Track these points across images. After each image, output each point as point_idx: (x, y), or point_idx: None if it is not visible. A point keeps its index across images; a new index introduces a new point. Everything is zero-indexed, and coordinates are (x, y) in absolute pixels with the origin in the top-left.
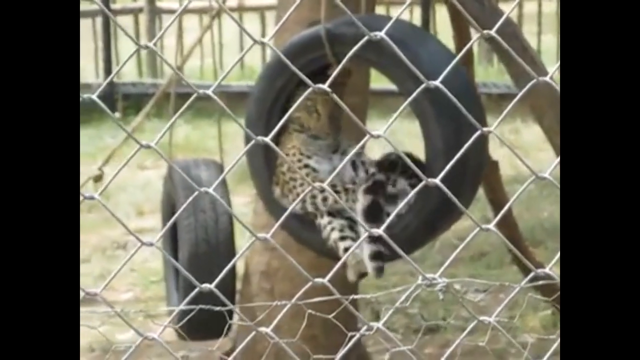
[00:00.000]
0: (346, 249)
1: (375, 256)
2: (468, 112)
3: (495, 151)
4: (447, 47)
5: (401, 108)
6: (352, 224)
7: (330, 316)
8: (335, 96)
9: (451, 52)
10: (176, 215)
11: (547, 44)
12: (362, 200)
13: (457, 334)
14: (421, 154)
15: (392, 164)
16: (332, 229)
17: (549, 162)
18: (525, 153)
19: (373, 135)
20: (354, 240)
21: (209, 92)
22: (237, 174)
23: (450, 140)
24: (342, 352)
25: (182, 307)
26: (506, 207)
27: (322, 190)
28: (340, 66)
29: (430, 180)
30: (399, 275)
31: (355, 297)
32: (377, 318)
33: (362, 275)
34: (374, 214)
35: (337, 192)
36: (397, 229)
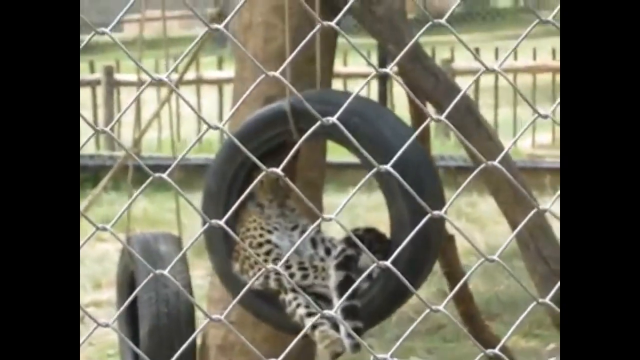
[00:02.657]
0: (314, 326)
1: (354, 332)
2: (429, 185)
3: (451, 225)
4: (404, 121)
5: (362, 181)
6: (316, 300)
7: None
8: (288, 181)
9: (409, 127)
10: (136, 291)
11: (503, 117)
12: (334, 276)
13: None
14: (379, 227)
15: (360, 240)
16: (298, 305)
17: (504, 235)
18: (482, 226)
19: (325, 218)
20: (321, 316)
21: (164, 175)
22: (195, 247)
23: (416, 213)
24: None
25: None
26: (459, 284)
27: (288, 267)
28: (299, 143)
29: (382, 263)
30: None
31: None
32: None
33: (337, 354)
34: (347, 290)
35: (304, 268)
36: (363, 304)
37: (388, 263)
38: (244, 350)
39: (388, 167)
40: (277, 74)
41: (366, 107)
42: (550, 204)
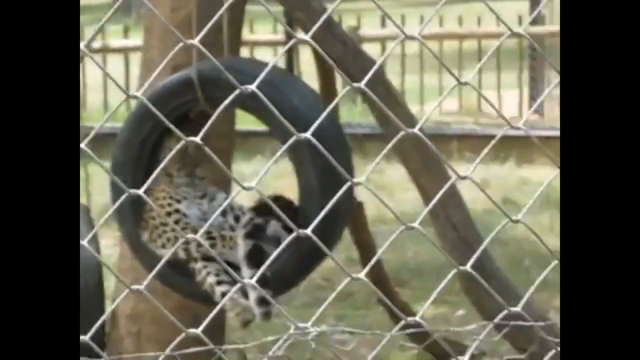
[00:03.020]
0: (223, 294)
1: (262, 301)
2: (339, 153)
3: (361, 192)
4: (313, 89)
5: (279, 152)
6: (226, 269)
7: None
8: (208, 149)
9: (318, 94)
10: None
11: (410, 84)
12: (243, 245)
13: None
14: (288, 195)
15: (266, 208)
16: (208, 274)
17: (411, 201)
18: (390, 193)
19: (246, 187)
20: (231, 285)
21: (83, 145)
22: (103, 214)
23: (325, 183)
24: None
25: None
26: (375, 258)
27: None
28: (218, 112)
29: (302, 231)
30: None
31: (228, 347)
32: (244, 358)
33: (248, 322)
34: (256, 258)
35: (212, 238)
36: (272, 272)
37: (308, 232)
38: (154, 319)
39: (308, 135)
40: (196, 42)
41: (275, 75)
42: (471, 170)
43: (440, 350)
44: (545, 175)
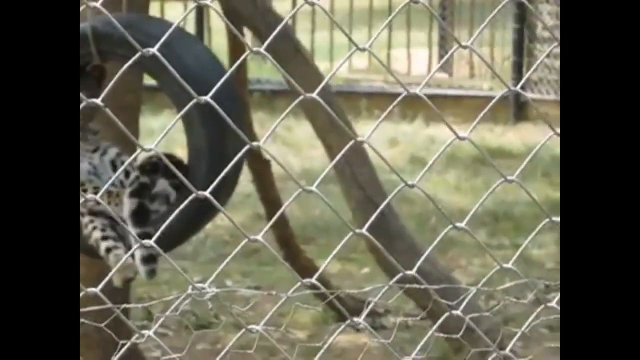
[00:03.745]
0: (108, 249)
1: (148, 260)
2: (232, 114)
3: (269, 149)
4: (209, 49)
5: (176, 120)
6: (113, 224)
7: (102, 325)
8: (109, 112)
9: (214, 55)
10: None
11: (320, 42)
12: (128, 204)
13: (229, 330)
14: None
15: (154, 166)
16: (94, 229)
17: (319, 159)
18: (298, 150)
19: (145, 149)
20: (116, 240)
21: None
22: None
23: (214, 143)
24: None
25: None
26: (279, 213)
27: (84, 191)
28: (119, 74)
29: (201, 193)
30: (170, 272)
31: (128, 306)
32: (149, 315)
33: (129, 280)
34: (141, 217)
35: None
36: (160, 228)
37: (207, 194)
38: None
39: (208, 98)
40: (98, 5)
41: (171, 35)
42: (369, 135)
43: (345, 307)
44: (452, 135)
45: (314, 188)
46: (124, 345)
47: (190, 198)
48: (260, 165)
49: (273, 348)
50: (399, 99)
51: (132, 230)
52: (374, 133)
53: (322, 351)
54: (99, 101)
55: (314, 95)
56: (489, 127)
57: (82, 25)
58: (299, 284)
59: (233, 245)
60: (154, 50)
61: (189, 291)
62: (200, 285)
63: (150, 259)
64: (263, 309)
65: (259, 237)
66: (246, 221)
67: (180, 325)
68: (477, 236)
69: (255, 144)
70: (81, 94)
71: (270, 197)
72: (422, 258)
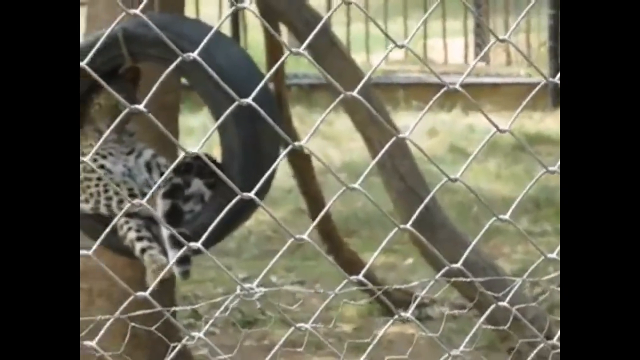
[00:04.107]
0: (143, 250)
1: (182, 260)
2: (267, 115)
3: (309, 143)
4: (243, 49)
5: (216, 124)
6: (149, 224)
7: (152, 328)
8: (152, 116)
9: (247, 54)
10: None
11: (355, 33)
12: (161, 205)
13: (276, 326)
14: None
15: (188, 166)
16: (129, 229)
17: (359, 151)
18: (337, 143)
19: (188, 153)
20: (151, 240)
21: None
22: None
23: (247, 143)
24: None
25: None
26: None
27: (117, 193)
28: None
29: (246, 194)
30: (214, 270)
31: (177, 308)
32: (195, 314)
33: (163, 281)
34: (174, 218)
35: (134, 195)
36: (195, 227)
37: (243, 195)
38: (105, 275)
39: (249, 100)
40: (138, 12)
41: (202, 34)
42: (410, 131)
43: (391, 299)
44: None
45: (357, 185)
46: (174, 347)
47: (236, 200)
48: (300, 160)
49: (320, 343)
50: (438, 94)
51: (165, 231)
52: (413, 123)
53: (371, 346)
54: (142, 107)
55: (354, 93)
56: (528, 113)
57: (114, 27)
58: (346, 280)
59: (276, 240)
60: (194, 54)
61: (237, 291)
62: (248, 285)
63: (184, 260)
64: (309, 304)
65: (305, 237)
66: (287, 216)
67: (227, 322)
68: (519, 223)
69: (297, 143)
70: (119, 96)
71: (311, 192)
72: (468, 250)
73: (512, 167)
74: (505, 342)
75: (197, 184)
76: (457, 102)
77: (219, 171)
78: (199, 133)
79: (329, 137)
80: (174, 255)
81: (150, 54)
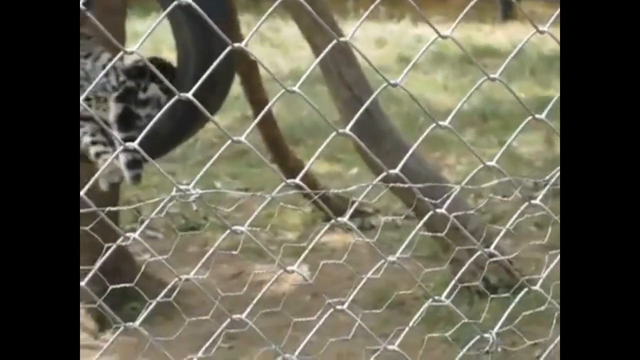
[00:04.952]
0: (97, 154)
1: (132, 165)
2: (218, 14)
3: (254, 50)
4: None
5: (159, 20)
6: (103, 129)
7: (87, 228)
8: (92, 18)
9: None
10: None
11: None
12: (114, 109)
13: (217, 232)
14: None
15: (141, 70)
16: (84, 134)
17: (306, 59)
18: (285, 51)
19: (127, 52)
20: (105, 145)
21: None
22: None
23: (201, 44)
24: (101, 261)
25: None
26: (264, 111)
27: None
28: None
29: (182, 95)
30: (159, 175)
31: (115, 209)
32: (138, 219)
33: (114, 184)
34: (127, 122)
35: (88, 99)
36: (149, 133)
37: (189, 95)
38: None
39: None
40: None
41: None
42: (351, 34)
43: (332, 207)
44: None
45: (296, 88)
46: (109, 247)
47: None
48: (246, 67)
49: (261, 250)
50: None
51: (118, 135)
52: (362, 33)
53: (307, 250)
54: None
55: None
56: (477, 26)
57: None
58: (283, 184)
59: (221, 147)
60: None
61: (172, 193)
62: (185, 186)
63: (134, 164)
64: (251, 210)
65: (242, 138)
66: (234, 123)
67: (169, 228)
68: (464, 135)
69: (237, 45)
70: None
71: (257, 99)
72: (407, 155)
73: (460, 78)
74: (447, 252)
75: (153, 89)
76: (406, 13)
77: (162, 76)
78: (147, 40)
79: (276, 44)
80: (125, 160)
81: None
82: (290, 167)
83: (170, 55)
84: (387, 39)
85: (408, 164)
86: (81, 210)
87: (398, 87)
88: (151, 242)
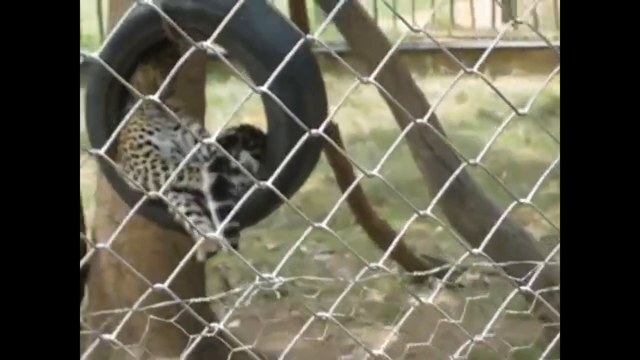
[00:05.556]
0: (192, 224)
1: (229, 233)
2: (309, 79)
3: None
4: (280, 12)
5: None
6: (198, 199)
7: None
8: (166, 107)
9: (285, 18)
10: None
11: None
12: (207, 178)
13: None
14: (264, 116)
15: (232, 139)
16: (178, 204)
17: (387, 119)
18: (366, 111)
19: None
20: (200, 215)
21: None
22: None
23: (292, 110)
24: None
25: None
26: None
27: (165, 169)
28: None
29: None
30: (245, 240)
31: (206, 299)
32: (225, 284)
33: (212, 253)
34: (221, 191)
35: (180, 170)
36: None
37: (268, 184)
38: (133, 250)
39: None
40: None
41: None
42: (438, 102)
43: (418, 267)
44: (520, 87)
45: (376, 174)
46: (195, 338)
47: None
48: (327, 129)
49: (349, 312)
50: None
51: (212, 204)
52: (442, 89)
53: (404, 317)
54: (155, 97)
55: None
56: (556, 77)
57: (152, 2)
58: (365, 268)
59: (306, 211)
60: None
61: (256, 281)
62: (267, 275)
63: (231, 232)
64: (338, 273)
65: (324, 225)
66: (319, 185)
67: (257, 293)
68: (548, 189)
69: (330, 119)
70: (158, 71)
71: (339, 161)
72: (500, 220)
73: (542, 132)
74: (538, 309)
75: (244, 156)
76: (485, 67)
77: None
78: (227, 102)
79: (357, 105)
80: (220, 228)
81: (189, 27)
82: (374, 227)
83: (250, 120)
84: (467, 94)
85: (492, 222)
86: (163, 303)
87: (481, 142)
88: (239, 311)
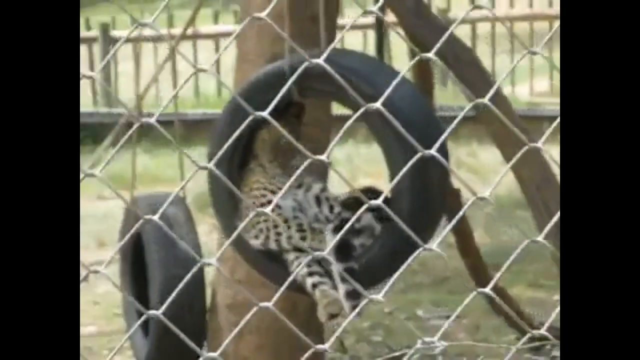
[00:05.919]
0: (314, 285)
1: (352, 295)
2: (433, 141)
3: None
4: (405, 77)
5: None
6: (319, 260)
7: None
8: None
9: (410, 82)
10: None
11: (500, 65)
12: (331, 240)
13: (423, 358)
14: (379, 178)
15: (356, 201)
16: (300, 265)
17: (505, 185)
18: (484, 176)
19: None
20: (322, 276)
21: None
22: (198, 202)
23: (416, 174)
24: None
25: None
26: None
27: (288, 228)
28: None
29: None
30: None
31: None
32: (341, 346)
33: (333, 316)
34: (344, 252)
35: (303, 231)
36: (366, 262)
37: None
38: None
39: (433, 152)
40: (286, 36)
41: (366, 64)
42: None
43: (538, 337)
44: None
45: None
46: None
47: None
48: (449, 195)
49: None
50: None
51: (335, 266)
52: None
53: None
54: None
55: (486, 101)
56: None
57: (281, 62)
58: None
59: (422, 274)
60: (378, 104)
61: (417, 346)
62: (429, 339)
63: (354, 294)
64: (455, 338)
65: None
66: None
67: (372, 356)
68: None
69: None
70: (284, 131)
71: (460, 227)
72: None
73: None
74: None
75: (367, 218)
76: None
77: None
78: (344, 164)
79: (474, 170)
80: (344, 290)
81: (316, 89)
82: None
83: (365, 181)
84: None
85: None
86: None
87: None
88: None
